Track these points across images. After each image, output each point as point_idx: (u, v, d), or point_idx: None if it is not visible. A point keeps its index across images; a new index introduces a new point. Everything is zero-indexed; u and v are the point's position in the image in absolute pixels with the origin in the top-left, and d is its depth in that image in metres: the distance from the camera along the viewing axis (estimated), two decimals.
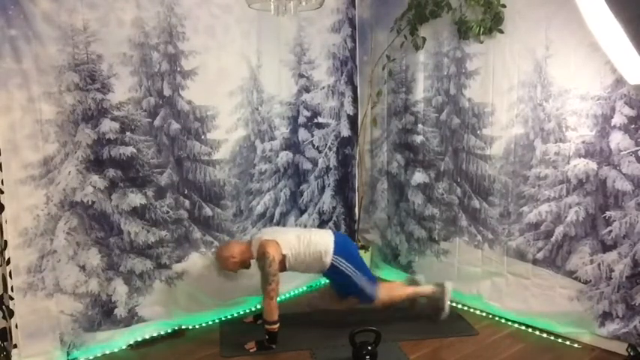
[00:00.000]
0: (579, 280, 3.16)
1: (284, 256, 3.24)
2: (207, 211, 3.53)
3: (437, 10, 3.65)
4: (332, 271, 3.32)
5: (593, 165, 3.04)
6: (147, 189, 3.26)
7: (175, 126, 3.33)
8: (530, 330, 3.39)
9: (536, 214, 3.32)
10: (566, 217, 3.18)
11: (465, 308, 3.72)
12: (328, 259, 3.27)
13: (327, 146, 4.17)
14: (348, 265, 3.31)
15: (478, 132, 3.59)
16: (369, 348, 2.98)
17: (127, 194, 3.19)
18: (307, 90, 4.00)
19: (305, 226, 4.10)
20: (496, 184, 3.53)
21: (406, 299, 3.51)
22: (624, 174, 2.92)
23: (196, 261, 3.52)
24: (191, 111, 3.37)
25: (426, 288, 3.53)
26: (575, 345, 3.18)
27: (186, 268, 3.48)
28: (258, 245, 3.23)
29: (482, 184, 3.61)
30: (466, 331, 3.43)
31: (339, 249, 3.31)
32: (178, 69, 3.29)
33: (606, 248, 3.03)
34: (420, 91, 3.89)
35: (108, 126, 3.07)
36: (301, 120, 3.99)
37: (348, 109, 4.26)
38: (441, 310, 3.45)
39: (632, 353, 2.88)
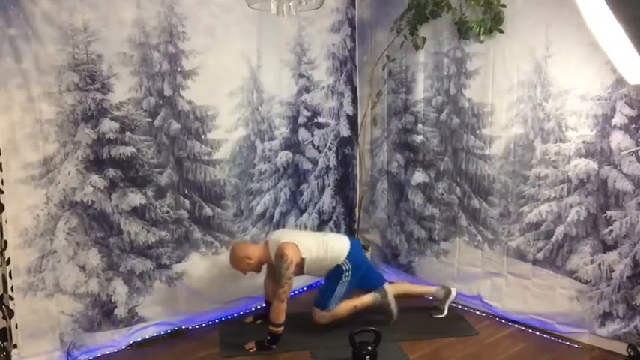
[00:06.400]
0: (579, 280, 3.16)
1: (302, 260, 3.25)
2: (208, 211, 3.53)
3: (437, 10, 3.65)
4: (334, 269, 3.34)
5: (593, 165, 3.04)
6: (147, 189, 3.26)
7: (175, 126, 3.32)
8: (530, 330, 3.39)
9: (536, 214, 3.32)
10: (566, 217, 3.18)
11: (465, 308, 3.72)
12: (339, 262, 3.32)
13: (327, 146, 4.17)
14: (349, 274, 3.33)
15: (478, 132, 3.59)
16: (369, 348, 2.98)
17: (127, 194, 3.19)
18: (307, 90, 3.99)
19: (305, 227, 4.10)
20: (496, 184, 3.53)
21: (352, 312, 3.41)
22: (625, 174, 2.92)
23: (196, 261, 3.52)
24: (191, 111, 3.37)
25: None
26: (575, 345, 3.18)
27: (186, 268, 3.48)
28: (277, 247, 3.23)
29: (482, 184, 3.61)
30: (466, 331, 3.43)
31: (351, 257, 3.35)
32: (179, 69, 3.29)
33: (607, 248, 3.04)
34: (420, 91, 3.89)
35: (108, 126, 3.07)
36: (301, 120, 3.99)
37: (348, 109, 4.26)
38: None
39: (632, 353, 2.88)
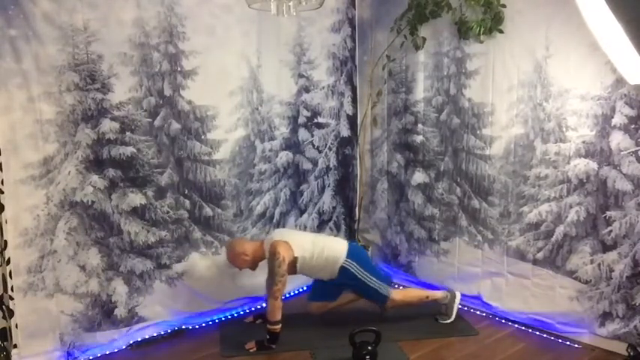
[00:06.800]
0: (579, 280, 3.16)
1: (295, 258, 3.24)
2: (208, 211, 3.53)
3: (437, 10, 3.65)
4: (344, 276, 3.30)
5: (593, 165, 3.04)
6: (147, 189, 3.26)
7: (176, 126, 3.32)
8: (530, 330, 3.39)
9: (536, 214, 3.32)
10: (566, 217, 3.18)
11: (465, 308, 3.72)
12: (339, 263, 3.28)
13: (327, 146, 4.17)
14: (360, 268, 3.31)
15: (478, 132, 3.59)
16: (369, 348, 2.98)
17: (127, 194, 3.19)
18: (307, 90, 3.99)
19: (305, 227, 4.10)
20: (496, 184, 3.52)
21: (418, 302, 3.49)
22: (624, 174, 2.92)
23: (196, 261, 3.52)
24: (191, 111, 3.37)
25: (438, 293, 3.56)
26: (575, 345, 3.18)
27: (186, 268, 3.48)
28: (270, 245, 3.23)
29: (482, 184, 3.61)
30: (466, 331, 3.43)
31: (352, 254, 3.33)
32: (179, 69, 3.29)
33: (606, 248, 3.04)
34: (420, 91, 3.89)
35: (108, 126, 3.07)
36: (301, 120, 3.99)
37: (348, 109, 4.26)
38: (447, 316, 3.48)
39: (632, 353, 2.88)
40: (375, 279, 3.36)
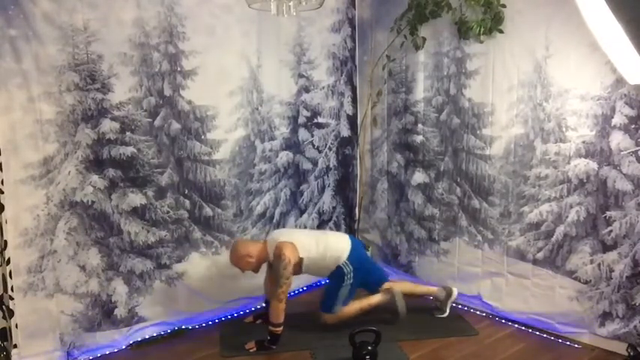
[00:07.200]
0: (579, 280, 3.16)
1: (301, 260, 3.23)
2: (208, 211, 3.53)
3: (437, 10, 3.65)
4: (336, 274, 3.33)
5: (593, 165, 3.04)
6: (147, 189, 3.26)
7: (176, 126, 3.32)
8: (530, 330, 3.39)
9: (536, 213, 3.32)
10: (566, 217, 3.18)
11: (465, 308, 3.72)
12: (339, 263, 3.30)
13: (327, 146, 4.17)
14: (351, 276, 3.31)
15: (478, 132, 3.59)
16: (369, 348, 2.98)
17: (127, 194, 3.19)
18: (307, 90, 3.99)
19: (305, 227, 4.10)
20: (496, 184, 3.53)
21: (359, 314, 3.42)
22: (624, 174, 2.92)
23: (196, 261, 3.52)
24: (191, 111, 3.37)
25: (376, 297, 3.50)
26: (575, 345, 3.18)
27: (186, 268, 3.48)
28: (275, 247, 3.21)
29: (482, 184, 3.61)
30: (466, 331, 3.43)
31: (353, 258, 3.33)
32: (179, 69, 3.29)
33: (606, 248, 3.04)
34: (420, 91, 3.89)
35: (108, 126, 3.07)
36: (301, 120, 3.99)
37: (348, 109, 4.26)
38: (397, 312, 3.43)
39: (632, 353, 2.88)
40: (345, 295, 3.34)
